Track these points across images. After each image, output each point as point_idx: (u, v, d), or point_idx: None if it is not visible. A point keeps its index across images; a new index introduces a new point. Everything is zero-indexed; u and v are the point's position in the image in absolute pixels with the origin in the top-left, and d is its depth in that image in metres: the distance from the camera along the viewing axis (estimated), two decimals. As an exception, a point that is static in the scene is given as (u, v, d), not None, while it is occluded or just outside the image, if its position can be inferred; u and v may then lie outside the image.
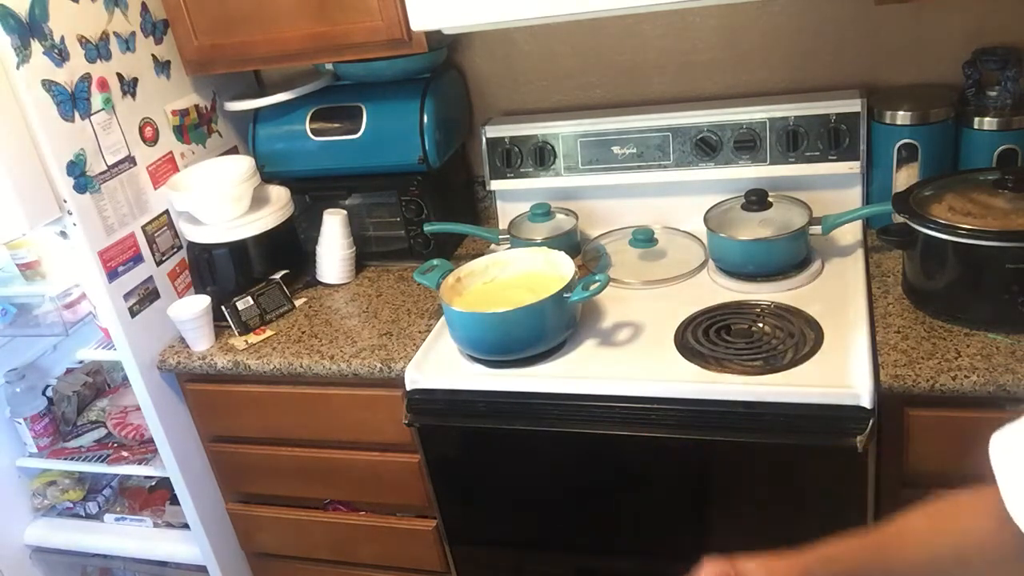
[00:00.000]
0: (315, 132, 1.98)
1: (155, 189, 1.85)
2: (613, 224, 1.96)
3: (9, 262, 1.94)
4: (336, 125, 1.97)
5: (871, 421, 1.32)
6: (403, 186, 1.95)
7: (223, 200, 1.84)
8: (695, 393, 1.43)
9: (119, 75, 1.76)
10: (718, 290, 1.68)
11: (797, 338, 1.48)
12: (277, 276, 1.92)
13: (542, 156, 1.95)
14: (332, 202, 2.01)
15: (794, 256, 1.67)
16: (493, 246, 1.97)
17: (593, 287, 1.52)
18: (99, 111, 1.71)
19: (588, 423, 1.49)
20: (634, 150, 1.89)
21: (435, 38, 1.75)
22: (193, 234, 1.88)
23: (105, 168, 1.72)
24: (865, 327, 1.47)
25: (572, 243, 1.85)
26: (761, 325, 1.54)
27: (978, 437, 1.37)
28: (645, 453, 1.50)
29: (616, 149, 1.90)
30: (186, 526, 2.03)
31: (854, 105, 1.73)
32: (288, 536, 2.00)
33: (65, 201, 1.64)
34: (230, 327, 1.84)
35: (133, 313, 1.79)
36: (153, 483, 2.24)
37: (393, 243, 2.02)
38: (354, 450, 1.80)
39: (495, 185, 2.02)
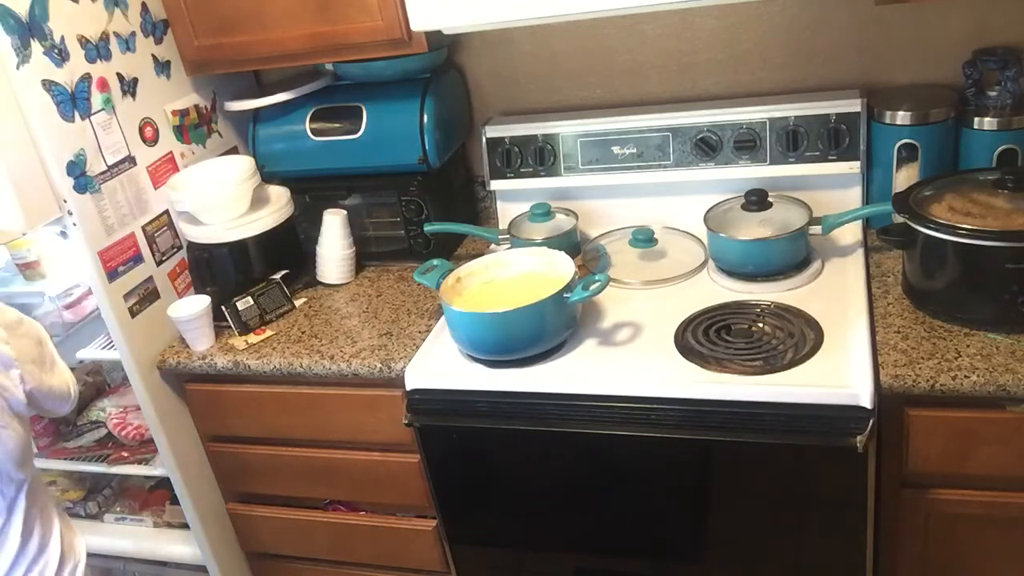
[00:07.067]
0: (315, 132, 1.98)
1: (155, 189, 1.85)
2: (613, 224, 1.96)
3: (9, 262, 1.94)
4: (336, 125, 1.97)
5: (871, 421, 1.32)
6: (403, 186, 1.95)
7: (223, 200, 1.84)
8: (695, 393, 1.43)
9: (119, 75, 1.76)
10: (718, 290, 1.68)
11: (797, 338, 1.48)
12: (277, 276, 1.92)
13: (542, 156, 1.95)
14: (332, 202, 2.01)
15: (794, 256, 1.67)
16: (493, 246, 1.97)
17: (593, 287, 1.52)
18: (99, 111, 1.71)
19: (588, 423, 1.49)
20: (634, 150, 1.89)
21: (435, 38, 1.75)
22: (193, 234, 1.88)
23: (105, 168, 1.72)
24: (865, 327, 1.47)
25: (572, 243, 1.85)
26: (761, 325, 1.54)
27: (978, 437, 1.38)
28: (645, 453, 1.50)
29: (616, 149, 1.90)
30: (186, 526, 2.03)
31: (854, 105, 1.73)
32: (288, 536, 1.99)
33: (65, 201, 1.64)
34: (230, 327, 1.84)
35: (133, 313, 1.79)
36: (153, 483, 2.24)
37: (393, 243, 2.02)
38: (354, 450, 1.80)
39: (495, 185, 2.02)
